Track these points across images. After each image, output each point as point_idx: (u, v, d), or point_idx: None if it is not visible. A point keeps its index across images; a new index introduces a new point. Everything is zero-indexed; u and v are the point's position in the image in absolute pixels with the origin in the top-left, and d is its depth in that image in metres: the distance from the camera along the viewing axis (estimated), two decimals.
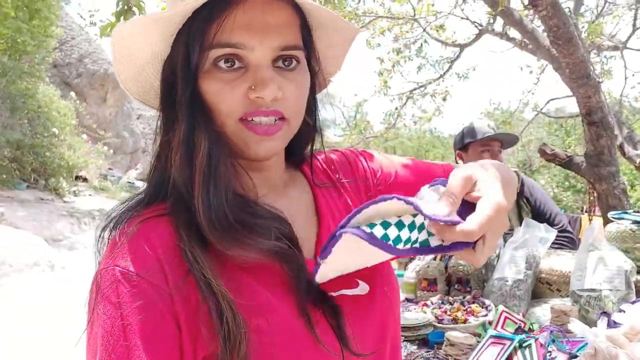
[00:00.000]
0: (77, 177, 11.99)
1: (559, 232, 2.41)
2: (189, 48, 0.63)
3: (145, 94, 0.72)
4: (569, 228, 2.58)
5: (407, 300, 2.09)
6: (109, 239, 0.63)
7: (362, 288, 0.70)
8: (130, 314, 0.56)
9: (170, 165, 0.64)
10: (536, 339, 1.29)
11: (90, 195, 11.73)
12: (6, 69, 10.05)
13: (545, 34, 2.98)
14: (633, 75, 5.55)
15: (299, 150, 0.79)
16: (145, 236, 0.60)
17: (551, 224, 2.44)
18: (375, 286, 0.71)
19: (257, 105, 0.63)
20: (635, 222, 1.69)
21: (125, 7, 2.09)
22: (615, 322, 1.18)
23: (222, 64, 0.63)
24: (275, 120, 0.64)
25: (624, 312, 1.12)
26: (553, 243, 2.39)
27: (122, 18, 2.10)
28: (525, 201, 2.51)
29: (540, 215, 2.46)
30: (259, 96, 0.62)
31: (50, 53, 11.66)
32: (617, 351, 1.00)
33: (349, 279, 0.68)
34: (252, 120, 0.63)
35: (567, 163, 3.20)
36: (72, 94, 13.09)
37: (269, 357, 0.59)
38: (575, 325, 1.19)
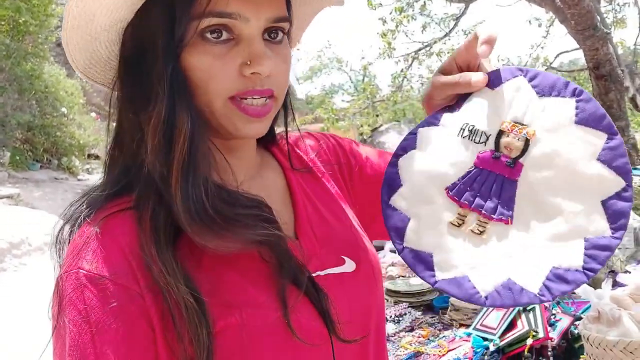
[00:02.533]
0: (89, 155, 12.08)
1: None
2: (173, 15, 0.55)
3: (92, 67, 0.64)
4: None
5: None
6: (69, 239, 0.58)
7: (349, 265, 0.67)
8: (99, 320, 0.51)
9: (142, 151, 0.57)
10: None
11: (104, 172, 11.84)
12: (10, 51, 10.02)
13: None
14: None
15: (270, 130, 0.75)
16: (110, 233, 0.55)
17: None
18: (360, 263, 0.69)
19: (252, 83, 0.57)
20: None
21: None
22: (620, 284, 1.16)
23: (209, 35, 0.56)
24: (266, 100, 0.59)
25: (629, 272, 1.09)
26: None
27: None
28: None
29: None
30: (256, 72, 0.57)
31: (53, 32, 11.56)
32: (620, 313, 0.98)
33: (335, 257, 0.66)
34: (244, 99, 0.58)
35: None
36: (78, 72, 13.05)
37: (252, 352, 0.56)
38: (580, 287, 1.17)
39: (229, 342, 0.55)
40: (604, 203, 0.58)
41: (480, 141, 0.63)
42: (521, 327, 1.24)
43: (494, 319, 1.32)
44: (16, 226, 6.55)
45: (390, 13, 5.36)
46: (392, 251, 2.25)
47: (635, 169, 1.72)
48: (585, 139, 0.59)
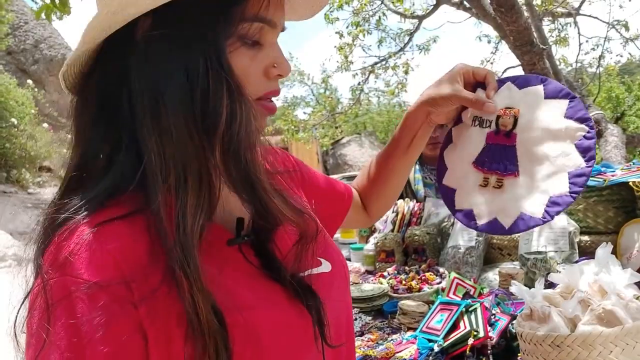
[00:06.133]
0: (40, 168, 11.63)
1: None
2: (219, 14, 0.56)
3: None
4: None
5: (367, 272, 2.13)
6: (47, 243, 0.54)
7: (325, 266, 0.69)
8: (90, 332, 0.48)
9: (160, 150, 0.53)
10: (481, 303, 1.33)
11: (55, 185, 11.41)
12: None
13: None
14: (587, 41, 5.65)
15: None
16: (102, 240, 0.52)
17: None
18: (334, 264, 0.71)
19: (274, 84, 0.63)
20: None
21: None
22: (552, 283, 1.23)
23: (244, 39, 0.59)
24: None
25: (559, 272, 1.16)
26: None
27: (57, 0, 2.01)
28: None
29: None
30: (281, 74, 0.62)
31: (3, 39, 11.17)
32: (550, 310, 1.05)
33: (312, 258, 0.68)
34: (270, 100, 0.64)
35: None
36: (30, 81, 12.59)
37: (252, 355, 0.55)
38: (515, 288, 1.23)
39: (241, 343, 0.54)
40: (576, 144, 0.82)
41: (487, 126, 0.90)
42: (463, 327, 1.29)
43: (439, 321, 1.36)
44: None
45: (347, 27, 5.49)
46: (346, 259, 2.28)
47: None
48: (553, 105, 0.85)
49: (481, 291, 1.58)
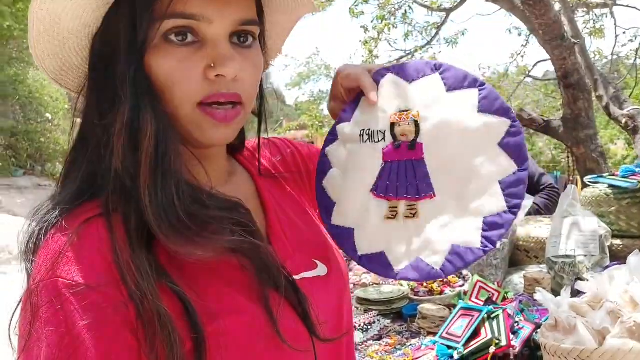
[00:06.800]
0: None
1: (547, 189, 2.55)
2: (135, 17, 0.55)
3: (63, 73, 0.63)
4: (555, 184, 2.69)
5: None
6: (37, 247, 0.54)
7: (321, 269, 0.68)
8: (81, 334, 0.48)
9: (108, 154, 0.55)
10: (504, 310, 1.28)
11: None
12: None
13: None
14: (624, 32, 5.41)
15: (239, 138, 0.75)
16: (89, 240, 0.52)
17: (538, 183, 2.56)
18: (331, 267, 0.70)
19: (217, 87, 0.57)
20: (610, 185, 1.66)
21: None
22: (579, 291, 1.17)
23: (173, 37, 0.56)
24: (233, 105, 0.59)
25: (587, 280, 1.10)
26: (545, 199, 2.52)
27: None
28: None
29: (530, 177, 2.55)
30: (220, 74, 0.56)
31: None
32: (576, 321, 0.99)
33: (307, 261, 0.67)
34: (212, 105, 0.58)
35: (545, 128, 3.16)
36: (49, 79, 12.94)
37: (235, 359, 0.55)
38: (540, 295, 1.18)
39: (212, 351, 0.53)
40: (500, 145, 0.64)
41: (379, 139, 0.69)
42: (485, 335, 1.24)
43: (459, 327, 1.32)
44: None
45: (372, 21, 5.41)
46: None
47: (601, 176, 1.74)
48: (461, 99, 0.66)
49: (505, 296, 1.53)
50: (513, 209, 0.62)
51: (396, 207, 0.68)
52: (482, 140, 0.65)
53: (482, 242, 0.63)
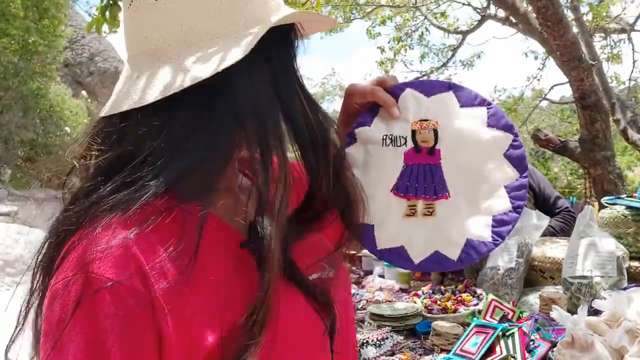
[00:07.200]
0: None
1: (563, 212, 2.50)
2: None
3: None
4: (571, 208, 2.63)
5: (401, 290, 2.08)
6: (63, 244, 0.53)
7: (329, 271, 0.69)
8: (111, 332, 0.48)
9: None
10: (519, 328, 1.27)
11: None
12: (18, 70, 10.19)
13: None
14: None
15: None
16: (125, 238, 0.51)
17: (554, 206, 2.52)
18: (337, 270, 0.70)
19: None
20: (628, 207, 1.65)
21: (111, 2, 2.06)
22: (596, 310, 1.16)
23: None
24: None
25: (604, 299, 1.09)
26: (561, 222, 2.47)
27: (107, 13, 2.09)
28: (529, 188, 2.50)
29: (546, 199, 2.53)
30: None
31: (61, 52, 11.78)
32: (593, 339, 0.98)
33: (317, 263, 0.68)
34: None
35: (562, 148, 3.14)
36: (84, 92, 13.23)
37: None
38: (556, 313, 1.17)
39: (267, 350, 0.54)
40: (505, 155, 0.75)
41: (401, 144, 0.77)
42: (499, 352, 1.23)
43: (474, 344, 1.31)
44: (11, 244, 6.53)
45: (389, 42, 5.48)
46: (380, 276, 2.24)
47: (619, 198, 1.73)
48: (472, 115, 0.76)
49: (520, 315, 1.51)
50: (517, 209, 0.73)
51: (415, 206, 0.75)
52: (490, 150, 0.75)
53: (492, 237, 0.72)
